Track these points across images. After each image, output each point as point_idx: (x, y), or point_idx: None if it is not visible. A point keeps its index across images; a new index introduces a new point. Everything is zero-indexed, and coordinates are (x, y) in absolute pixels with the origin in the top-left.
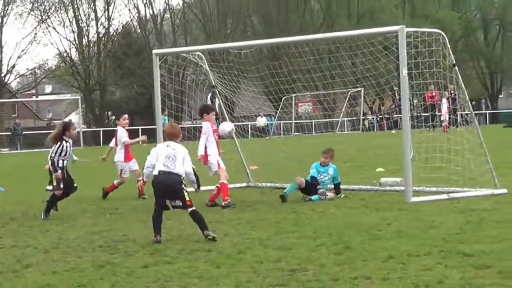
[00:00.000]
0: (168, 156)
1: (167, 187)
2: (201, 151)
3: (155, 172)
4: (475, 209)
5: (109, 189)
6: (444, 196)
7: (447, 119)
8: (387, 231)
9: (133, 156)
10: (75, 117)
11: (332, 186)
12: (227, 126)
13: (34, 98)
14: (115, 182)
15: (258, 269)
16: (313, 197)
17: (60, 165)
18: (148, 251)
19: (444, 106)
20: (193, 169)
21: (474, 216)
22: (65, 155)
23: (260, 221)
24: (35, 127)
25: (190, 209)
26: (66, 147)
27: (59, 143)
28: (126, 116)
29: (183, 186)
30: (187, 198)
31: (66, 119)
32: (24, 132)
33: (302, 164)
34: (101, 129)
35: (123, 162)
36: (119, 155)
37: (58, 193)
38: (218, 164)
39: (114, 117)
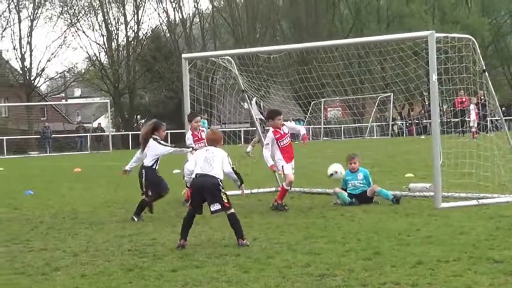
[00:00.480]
0: (206, 159)
1: (204, 189)
2: (269, 163)
3: (193, 176)
4: (505, 215)
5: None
6: (474, 202)
7: (476, 125)
8: (416, 237)
9: None
10: (104, 121)
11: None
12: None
13: (63, 101)
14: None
15: (286, 274)
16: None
17: (151, 164)
18: (177, 255)
19: (472, 112)
20: (233, 168)
21: (504, 222)
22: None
23: (288, 225)
24: (64, 130)
25: (229, 211)
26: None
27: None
28: (198, 118)
29: (221, 188)
30: (225, 200)
31: (95, 123)
32: (53, 135)
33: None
34: (130, 132)
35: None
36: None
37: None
38: (283, 168)
39: (143, 121)
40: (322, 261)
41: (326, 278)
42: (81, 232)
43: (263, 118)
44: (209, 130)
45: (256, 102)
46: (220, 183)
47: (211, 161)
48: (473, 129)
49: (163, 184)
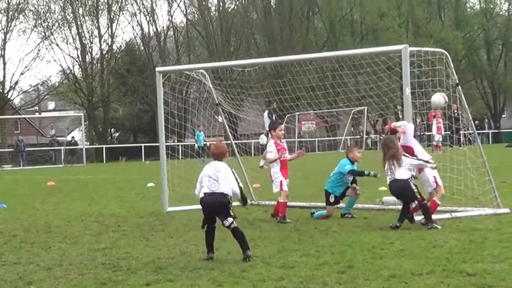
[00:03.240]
0: (210, 177)
1: (215, 207)
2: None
3: (201, 195)
4: (478, 228)
5: (277, 208)
6: (447, 215)
7: (440, 139)
8: (390, 250)
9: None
10: (78, 134)
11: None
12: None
13: (37, 114)
14: (280, 200)
15: None
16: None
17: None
18: (150, 268)
19: (434, 126)
20: (240, 188)
21: (477, 236)
22: None
23: (262, 239)
24: (38, 143)
25: (232, 226)
26: None
27: None
28: (282, 126)
29: (230, 205)
30: (233, 213)
31: (69, 136)
32: (26, 149)
33: (304, 181)
34: (104, 146)
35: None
36: (276, 169)
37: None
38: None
39: (117, 134)
40: (296, 274)
41: None
42: (54, 245)
43: None
44: (211, 143)
45: (268, 114)
46: (230, 200)
47: (216, 178)
48: (437, 143)
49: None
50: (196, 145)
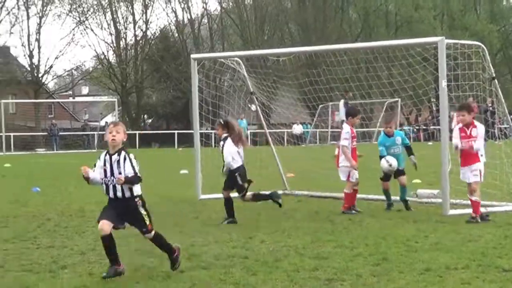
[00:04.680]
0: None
1: None
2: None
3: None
4: None
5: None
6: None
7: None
8: (424, 243)
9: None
10: (111, 119)
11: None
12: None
13: (70, 99)
14: (345, 190)
15: (294, 278)
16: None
17: None
18: (184, 256)
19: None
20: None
21: None
22: None
23: (296, 229)
24: (71, 128)
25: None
26: None
27: None
28: (360, 115)
29: None
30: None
31: (102, 122)
32: (60, 133)
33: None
34: (137, 132)
35: (348, 166)
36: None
37: None
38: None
39: (150, 120)
40: (329, 265)
41: (334, 283)
42: (88, 230)
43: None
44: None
45: (344, 103)
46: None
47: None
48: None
49: None
50: None
